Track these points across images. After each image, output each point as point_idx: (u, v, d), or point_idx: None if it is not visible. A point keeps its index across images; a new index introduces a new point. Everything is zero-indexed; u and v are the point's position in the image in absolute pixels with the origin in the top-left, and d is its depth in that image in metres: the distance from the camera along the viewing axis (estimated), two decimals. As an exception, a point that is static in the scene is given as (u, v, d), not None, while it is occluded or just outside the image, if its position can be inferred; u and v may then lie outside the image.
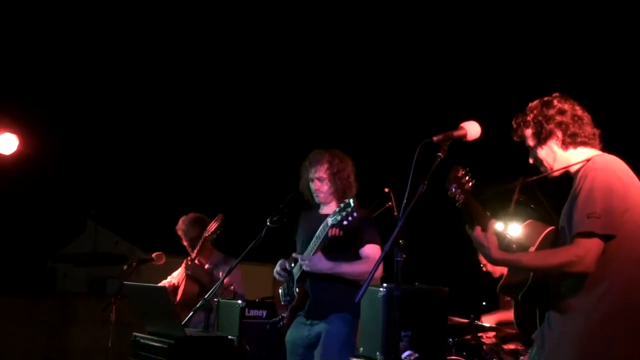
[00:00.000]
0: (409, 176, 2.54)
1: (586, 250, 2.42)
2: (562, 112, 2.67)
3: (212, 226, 4.96)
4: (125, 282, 4.47)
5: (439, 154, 2.61)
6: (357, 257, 3.85)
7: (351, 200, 3.49)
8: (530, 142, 2.75)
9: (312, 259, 3.71)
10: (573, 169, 2.69)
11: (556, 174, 2.74)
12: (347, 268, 3.73)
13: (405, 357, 4.48)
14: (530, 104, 2.77)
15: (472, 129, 2.74)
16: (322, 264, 3.71)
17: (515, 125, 2.79)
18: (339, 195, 3.91)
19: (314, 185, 3.94)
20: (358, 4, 8.67)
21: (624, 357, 2.42)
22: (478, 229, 2.60)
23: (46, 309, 8.05)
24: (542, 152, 2.73)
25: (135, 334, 4.19)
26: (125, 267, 5.11)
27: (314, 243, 3.78)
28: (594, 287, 2.46)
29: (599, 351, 2.42)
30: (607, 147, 2.75)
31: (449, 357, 4.85)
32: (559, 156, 2.70)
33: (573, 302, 2.49)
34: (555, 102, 2.70)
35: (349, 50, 9.16)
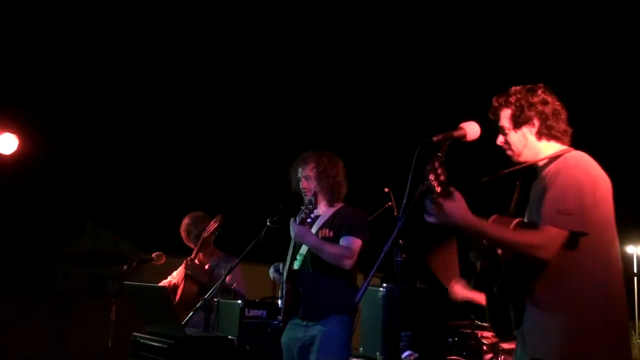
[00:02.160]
0: (409, 176, 2.54)
1: (552, 239, 2.43)
2: (545, 102, 2.70)
3: (212, 227, 4.97)
4: (125, 282, 4.46)
5: (439, 154, 2.61)
6: None
7: (312, 198, 3.66)
8: (506, 123, 2.75)
9: (300, 229, 3.71)
10: (541, 163, 2.70)
11: (521, 159, 2.75)
12: (330, 248, 3.72)
13: (405, 357, 4.48)
14: (514, 88, 2.77)
15: (471, 129, 2.74)
16: (309, 237, 3.73)
17: (496, 104, 2.79)
18: (328, 194, 3.91)
19: (302, 185, 3.95)
20: (358, 5, 8.67)
21: (600, 351, 2.43)
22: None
23: (46, 309, 8.05)
24: (515, 136, 2.74)
25: (135, 334, 4.19)
26: (125, 267, 5.10)
27: (292, 243, 3.84)
28: (568, 283, 2.48)
29: (576, 347, 2.43)
30: (578, 147, 2.76)
31: (449, 357, 4.85)
32: (530, 144, 2.71)
33: (548, 298, 2.50)
34: (539, 91, 2.72)
35: (349, 51, 9.17)
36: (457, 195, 2.50)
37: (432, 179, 2.52)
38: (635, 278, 16.60)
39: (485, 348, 4.94)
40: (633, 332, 14.61)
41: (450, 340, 4.95)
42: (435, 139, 2.64)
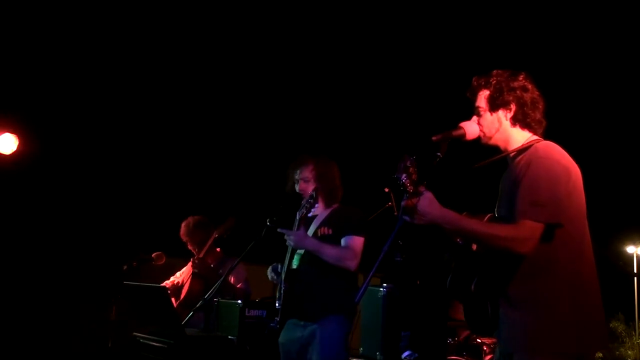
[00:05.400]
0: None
1: (529, 233, 2.41)
2: (525, 89, 2.67)
3: (224, 228, 4.97)
4: (125, 282, 4.47)
5: (438, 153, 2.61)
6: None
7: (314, 193, 3.66)
8: (483, 104, 2.72)
9: (296, 235, 3.70)
10: (512, 154, 2.68)
11: (491, 142, 2.73)
12: (330, 250, 3.70)
13: (405, 357, 4.49)
14: (496, 70, 2.74)
15: (471, 129, 2.74)
16: (307, 241, 3.71)
17: (475, 83, 2.76)
18: (326, 196, 3.91)
19: (299, 186, 3.95)
20: (356, 6, 8.65)
21: (569, 341, 2.42)
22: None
23: (46, 309, 8.04)
24: (489, 118, 2.71)
25: (135, 334, 4.20)
26: (125, 267, 5.10)
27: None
28: (543, 278, 2.46)
29: (545, 338, 2.42)
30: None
31: (449, 357, 4.86)
32: (502, 129, 2.69)
33: (522, 296, 2.49)
34: (521, 77, 2.69)
35: (347, 52, 9.15)
36: (428, 193, 2.49)
37: (404, 178, 2.52)
38: (635, 278, 16.60)
39: (485, 348, 4.95)
40: (633, 332, 14.61)
41: (450, 340, 4.96)
42: (434, 138, 2.64)
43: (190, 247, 5.19)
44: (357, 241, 3.74)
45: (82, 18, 7.46)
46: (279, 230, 3.77)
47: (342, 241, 3.76)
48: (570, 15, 8.12)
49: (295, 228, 3.77)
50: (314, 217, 3.93)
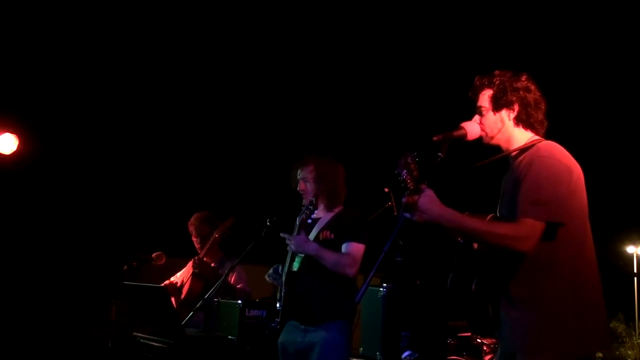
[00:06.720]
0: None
1: (529, 231, 2.41)
2: (528, 89, 2.69)
3: (224, 227, 4.98)
4: (125, 282, 4.47)
5: (439, 153, 2.60)
6: None
7: (313, 199, 3.68)
8: (485, 103, 2.72)
9: (297, 239, 3.69)
10: (513, 153, 2.68)
11: (493, 142, 2.73)
12: (330, 255, 3.69)
13: (405, 357, 4.49)
14: (498, 70, 2.75)
15: (472, 129, 2.74)
16: (308, 246, 3.70)
17: (478, 83, 2.77)
18: (326, 197, 3.88)
19: (299, 186, 3.93)
20: (357, 6, 8.65)
21: (570, 342, 2.42)
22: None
23: (47, 309, 8.04)
24: (492, 118, 2.71)
25: (135, 334, 4.20)
26: (125, 267, 5.10)
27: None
28: (544, 276, 2.47)
29: (546, 338, 2.42)
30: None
31: (449, 357, 4.86)
32: (505, 128, 2.70)
33: (523, 295, 2.49)
34: (524, 78, 2.71)
35: (348, 51, 9.15)
36: (429, 191, 2.49)
37: (405, 175, 2.51)
38: (635, 278, 16.59)
39: (485, 348, 4.95)
40: (633, 332, 14.60)
41: (450, 340, 4.96)
42: (435, 138, 2.64)
43: (193, 239, 5.18)
44: (358, 248, 3.72)
45: (82, 18, 7.45)
46: (280, 234, 3.76)
47: (343, 247, 3.74)
48: (570, 16, 8.11)
49: (295, 233, 3.76)
50: (316, 220, 3.92)
